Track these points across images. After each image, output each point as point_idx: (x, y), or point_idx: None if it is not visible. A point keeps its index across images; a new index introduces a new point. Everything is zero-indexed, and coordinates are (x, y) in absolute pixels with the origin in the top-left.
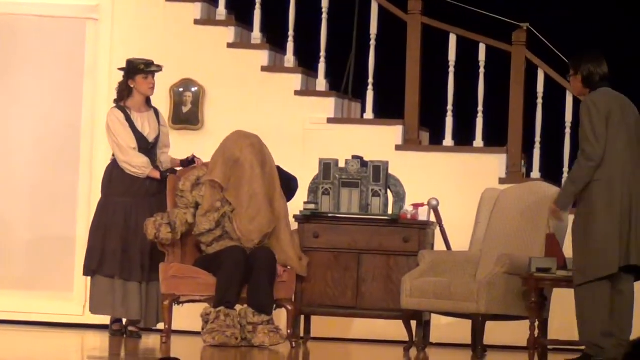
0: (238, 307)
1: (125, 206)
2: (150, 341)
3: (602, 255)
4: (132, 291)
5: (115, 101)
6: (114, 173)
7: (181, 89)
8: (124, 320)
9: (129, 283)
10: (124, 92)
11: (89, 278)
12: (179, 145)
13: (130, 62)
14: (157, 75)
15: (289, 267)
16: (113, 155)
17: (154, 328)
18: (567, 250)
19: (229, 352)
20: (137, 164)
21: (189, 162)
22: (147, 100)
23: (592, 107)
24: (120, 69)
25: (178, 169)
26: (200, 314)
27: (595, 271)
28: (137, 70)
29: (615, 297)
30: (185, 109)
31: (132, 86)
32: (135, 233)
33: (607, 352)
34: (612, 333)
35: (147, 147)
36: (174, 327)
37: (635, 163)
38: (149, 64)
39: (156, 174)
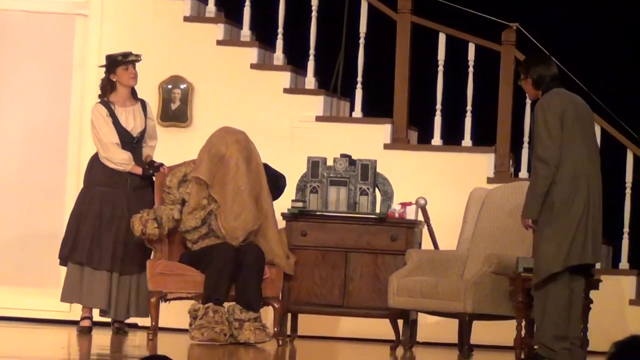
0: (226, 303)
1: (103, 195)
2: (137, 338)
3: (550, 253)
4: (101, 280)
5: (100, 97)
6: (95, 163)
7: (170, 86)
8: (96, 315)
9: (97, 272)
10: (106, 87)
11: None
12: (168, 143)
13: (108, 57)
14: (146, 72)
15: (275, 265)
16: None
17: (140, 325)
18: None
19: (216, 350)
20: (118, 160)
21: (154, 168)
22: (133, 93)
23: (547, 109)
24: (101, 66)
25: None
26: (189, 309)
27: (546, 269)
28: (116, 63)
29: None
30: (174, 106)
31: (114, 80)
32: (109, 222)
33: (559, 355)
34: (566, 337)
35: (132, 142)
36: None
37: (591, 161)
38: (126, 54)
39: (138, 170)
